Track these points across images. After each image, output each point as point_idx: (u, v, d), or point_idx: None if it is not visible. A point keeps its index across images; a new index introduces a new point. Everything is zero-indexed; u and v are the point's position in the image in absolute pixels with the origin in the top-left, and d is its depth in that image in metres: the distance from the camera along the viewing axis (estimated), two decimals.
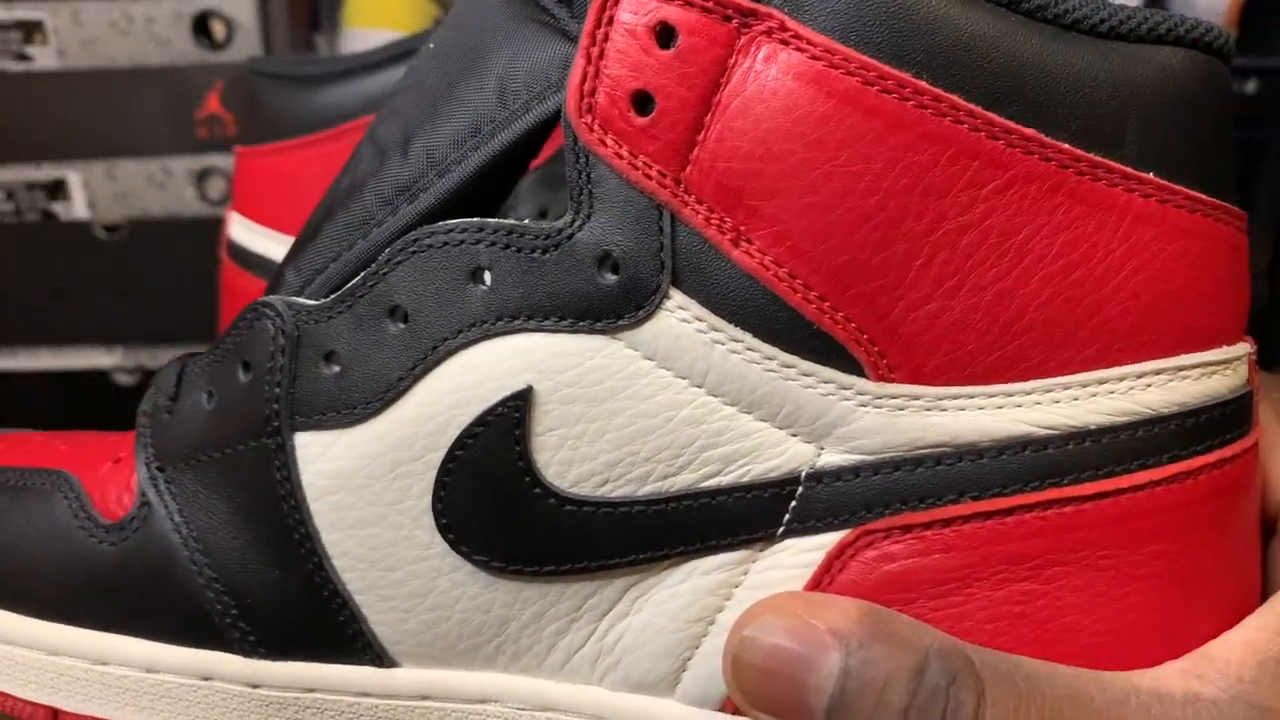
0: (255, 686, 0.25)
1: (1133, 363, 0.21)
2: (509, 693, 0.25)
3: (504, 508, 0.24)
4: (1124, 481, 0.21)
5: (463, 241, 0.23)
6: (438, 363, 0.23)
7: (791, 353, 0.22)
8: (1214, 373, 0.22)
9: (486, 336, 0.23)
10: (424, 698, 0.25)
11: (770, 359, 0.22)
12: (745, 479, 0.23)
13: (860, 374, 0.22)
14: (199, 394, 0.26)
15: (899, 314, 0.21)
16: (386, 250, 0.24)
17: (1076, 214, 0.21)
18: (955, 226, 0.21)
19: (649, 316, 0.22)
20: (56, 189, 0.62)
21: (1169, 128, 0.21)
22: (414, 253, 0.23)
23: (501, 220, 0.23)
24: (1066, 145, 0.20)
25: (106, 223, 0.61)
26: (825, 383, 0.21)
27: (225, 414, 0.25)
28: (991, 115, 0.20)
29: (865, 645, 0.21)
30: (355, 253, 0.24)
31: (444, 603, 0.25)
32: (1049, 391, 0.21)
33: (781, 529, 0.23)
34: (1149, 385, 0.21)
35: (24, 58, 0.59)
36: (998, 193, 0.21)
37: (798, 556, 0.22)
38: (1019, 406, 0.21)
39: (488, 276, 0.23)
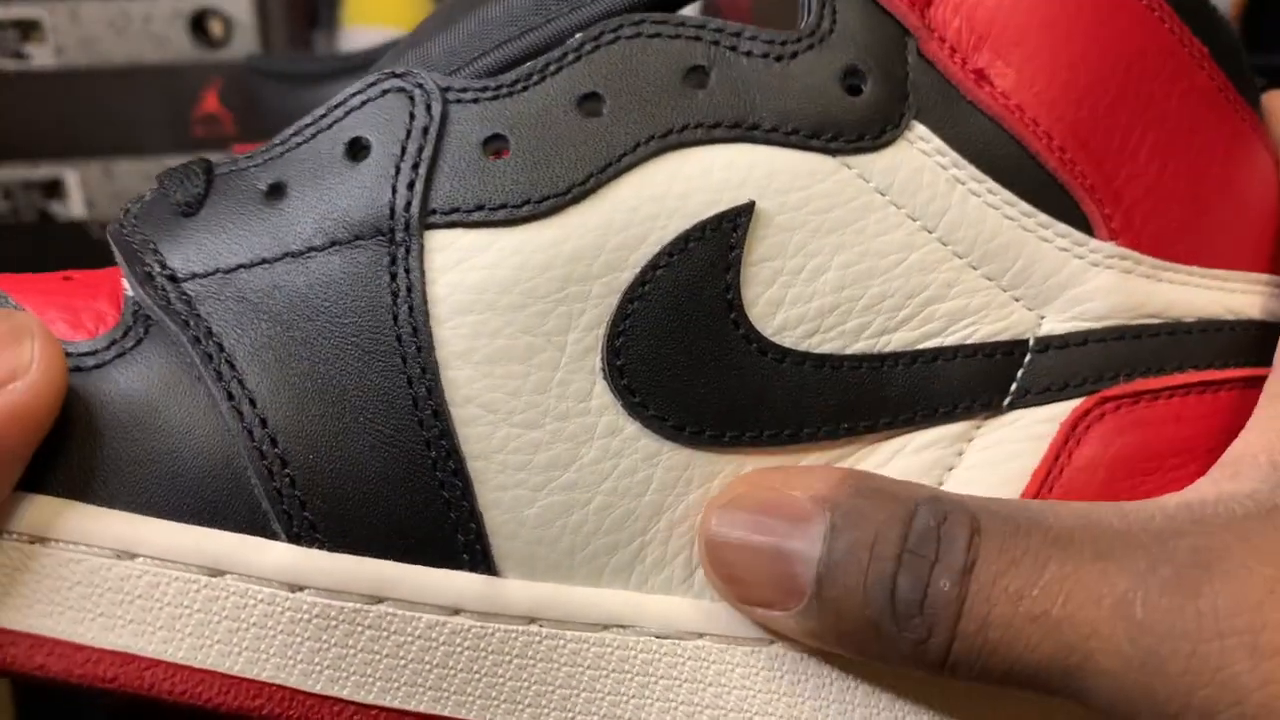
0: (297, 589, 0.18)
1: (1267, 271, 0.23)
2: (644, 616, 0.20)
3: (695, 350, 0.20)
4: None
5: (680, 35, 0.20)
6: (640, 162, 0.20)
7: (1030, 202, 0.21)
8: None
9: (703, 142, 0.20)
10: (531, 620, 0.20)
11: (1010, 205, 0.21)
12: (971, 339, 0.21)
13: (1090, 233, 0.21)
14: (251, 188, 0.20)
15: (1123, 179, 0.22)
16: (579, 35, 0.20)
17: (1227, 131, 0.23)
18: (1160, 112, 0.23)
19: (891, 142, 0.21)
20: (53, 188, 0.65)
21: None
22: (621, 39, 0.20)
23: (727, 21, 0.20)
24: (1216, 66, 0.23)
25: (104, 222, 0.54)
26: (1061, 236, 0.21)
27: (305, 208, 0.19)
28: (1180, 22, 0.22)
29: (850, 502, 0.21)
30: (530, 39, 0.20)
31: (587, 479, 0.19)
32: (1229, 280, 0.23)
33: (1010, 398, 0.21)
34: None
35: (22, 56, 0.61)
36: (1183, 95, 0.23)
37: (1029, 429, 0.21)
38: (1211, 289, 0.23)
39: (710, 78, 0.20)
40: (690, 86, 0.22)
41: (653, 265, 0.21)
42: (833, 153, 0.22)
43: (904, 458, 0.22)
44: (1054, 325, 0.23)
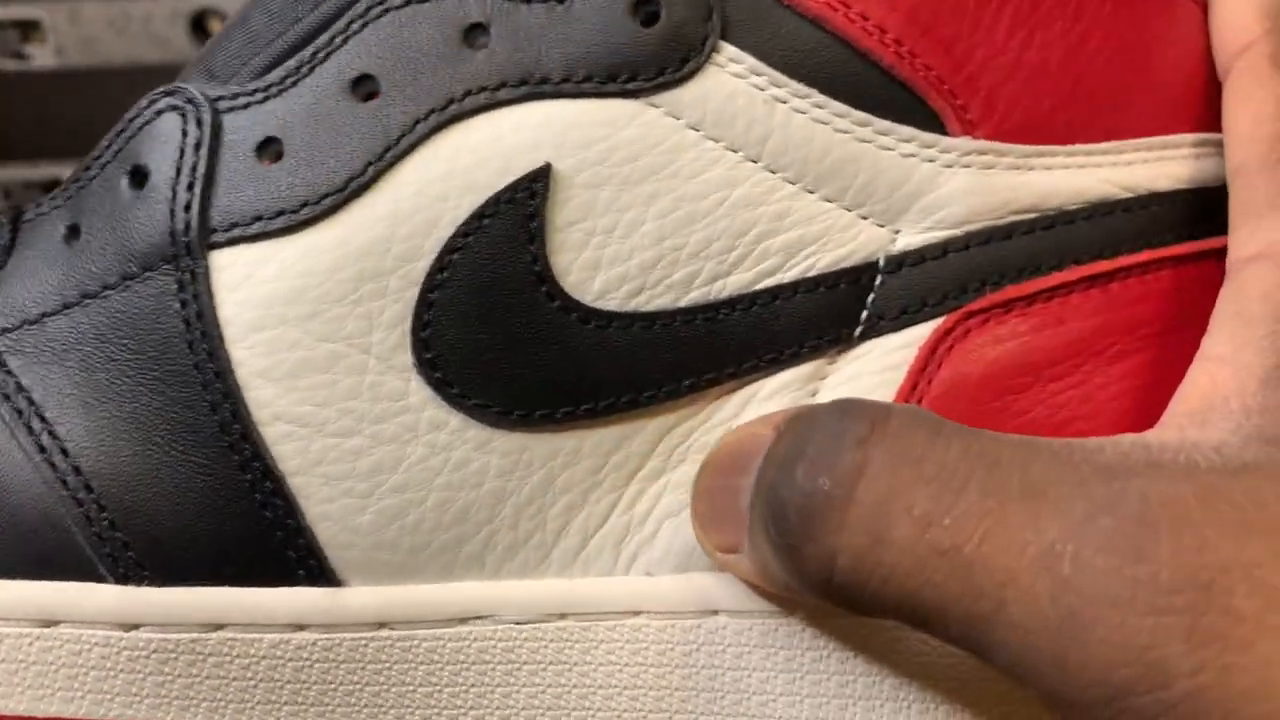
0: (131, 628, 0.18)
1: (1191, 132, 0.20)
2: (503, 603, 0.20)
3: (510, 331, 0.19)
4: (1210, 244, 0.20)
5: None
6: (421, 142, 0.19)
7: (865, 110, 0.18)
8: None
9: (488, 107, 0.19)
10: (381, 625, 0.19)
11: (841, 117, 0.19)
12: (812, 271, 0.19)
13: (942, 131, 0.18)
14: (52, 232, 0.19)
15: (978, 63, 0.19)
16: (345, 16, 0.18)
17: None
18: None
19: (696, 72, 0.19)
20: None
21: None
22: (390, 9, 0.18)
23: None
24: None
25: None
26: (905, 141, 0.19)
27: (99, 246, 0.19)
28: None
29: (788, 421, 0.19)
30: (298, 30, 0.19)
31: (417, 479, 0.19)
32: (1122, 153, 0.21)
33: (860, 328, 0.19)
34: (1200, 156, 0.20)
35: (21, 56, 0.59)
36: None
37: (884, 358, 0.19)
38: (1099, 167, 0.20)
39: (490, 35, 0.18)
40: (469, 48, 0.20)
41: (449, 249, 0.20)
42: (633, 95, 0.20)
43: (756, 406, 0.21)
44: (909, 240, 0.21)
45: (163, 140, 0.21)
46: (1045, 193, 0.21)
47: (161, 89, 0.21)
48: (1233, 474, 0.17)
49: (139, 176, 0.21)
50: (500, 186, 0.20)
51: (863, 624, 0.20)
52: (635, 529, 0.21)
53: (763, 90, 0.21)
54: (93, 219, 0.21)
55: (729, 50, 0.21)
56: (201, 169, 0.20)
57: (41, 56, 0.60)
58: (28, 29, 0.59)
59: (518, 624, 0.21)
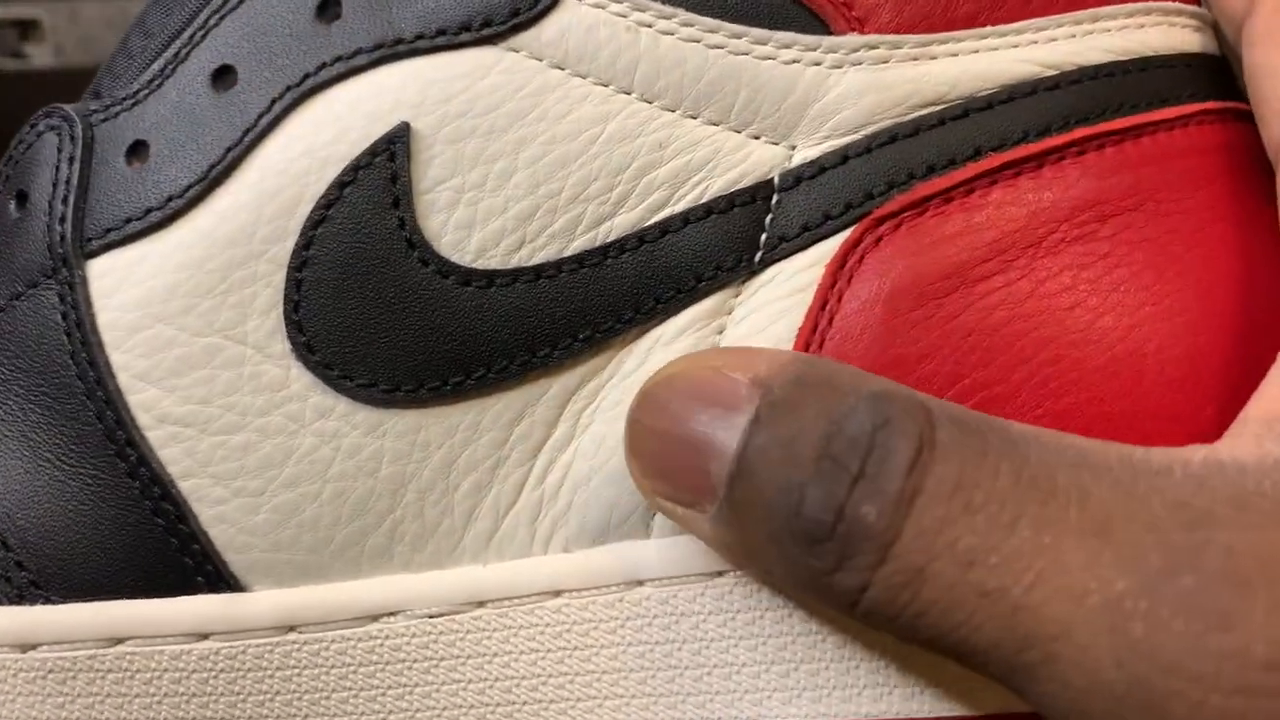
0: (29, 649, 0.17)
1: (1123, 2, 0.18)
2: (415, 596, 0.18)
3: (384, 304, 0.18)
4: (1154, 116, 0.17)
5: None
6: (278, 121, 0.18)
7: (737, 22, 0.17)
8: (1199, 28, 0.19)
9: (343, 76, 0.18)
10: (289, 629, 0.18)
11: (712, 33, 0.17)
12: (703, 199, 0.17)
13: (825, 31, 0.17)
14: None
15: None
16: (204, 11, 0.18)
17: None
18: None
19: (551, 8, 0.17)
20: None
21: None
22: (234, 8, 0.18)
23: None
24: None
25: None
26: (784, 48, 0.17)
27: None
28: None
29: (785, 389, 0.17)
30: (166, 33, 0.19)
31: (310, 471, 0.18)
32: (1043, 30, 0.19)
33: (760, 253, 0.18)
34: (1142, 26, 0.18)
35: (20, 55, 0.59)
36: None
37: (790, 281, 0.18)
38: (1015, 47, 0.18)
39: (343, 6, 0.18)
40: (323, 23, 0.20)
41: (311, 224, 0.19)
42: (489, 41, 0.19)
43: (660, 350, 0.19)
44: (806, 154, 0.19)
45: (41, 161, 0.21)
46: (952, 80, 0.19)
47: (42, 111, 0.21)
48: None
49: (22, 198, 0.21)
50: (358, 151, 0.20)
51: None
52: (548, 504, 0.20)
53: (624, 18, 0.20)
54: None
55: None
56: (74, 180, 0.20)
57: (40, 56, 0.59)
58: (27, 28, 0.58)
59: (431, 617, 0.20)
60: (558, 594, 0.19)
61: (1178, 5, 0.21)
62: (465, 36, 0.20)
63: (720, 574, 0.19)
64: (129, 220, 0.20)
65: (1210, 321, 0.18)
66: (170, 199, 0.20)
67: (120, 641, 0.19)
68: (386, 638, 0.20)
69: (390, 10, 0.20)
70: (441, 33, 0.20)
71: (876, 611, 0.16)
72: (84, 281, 0.20)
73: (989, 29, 0.20)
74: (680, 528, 0.19)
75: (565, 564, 0.19)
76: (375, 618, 0.20)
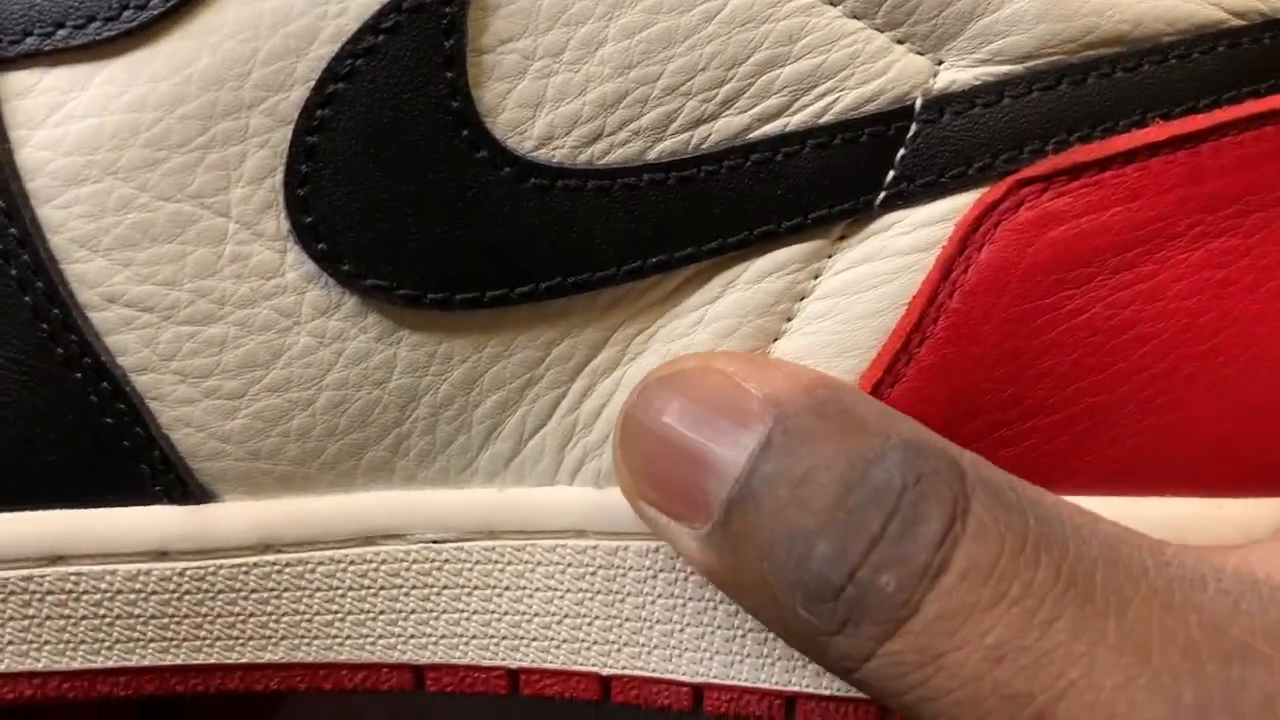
0: None
1: None
2: (416, 518, 0.16)
3: (417, 189, 0.14)
4: None
5: None
6: None
7: None
8: None
9: None
10: (265, 548, 0.15)
11: None
12: (826, 117, 0.14)
13: None
14: None
15: None
16: None
17: None
18: None
19: None
20: None
21: None
22: None
23: None
24: None
25: None
26: None
27: None
28: None
29: (802, 416, 0.15)
30: None
31: (302, 375, 0.14)
32: None
33: (882, 195, 0.15)
34: None
35: None
36: None
37: (909, 236, 0.15)
38: None
39: None
40: None
41: (331, 74, 0.14)
42: None
43: (738, 291, 0.16)
44: (955, 75, 0.16)
45: None
46: (1136, 17, 0.16)
47: None
48: None
49: None
50: None
51: None
52: (582, 431, 0.17)
53: None
54: None
55: None
56: None
57: None
58: None
59: (436, 543, 0.18)
60: (582, 533, 0.18)
61: None
62: None
63: None
64: (60, 25, 0.14)
65: None
66: (126, 7, 0.14)
67: (61, 559, 0.16)
68: (383, 561, 0.17)
69: None
70: None
71: (873, 684, 0.15)
72: None
73: None
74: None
75: (594, 501, 0.17)
76: (369, 539, 0.17)
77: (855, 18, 0.16)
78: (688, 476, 0.15)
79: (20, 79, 0.15)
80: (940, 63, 0.16)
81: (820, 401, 0.15)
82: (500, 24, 0.15)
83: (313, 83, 0.15)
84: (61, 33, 0.15)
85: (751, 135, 0.16)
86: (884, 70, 0.16)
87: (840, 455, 0.15)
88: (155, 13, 0.14)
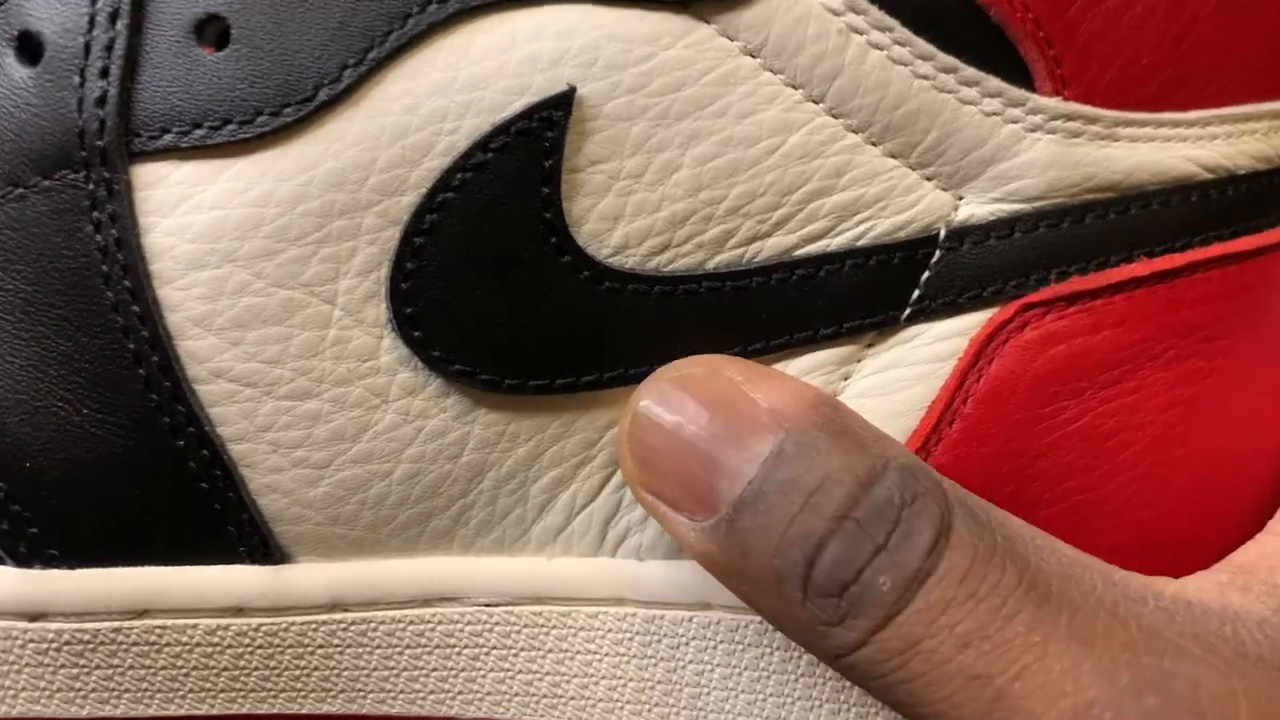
0: (36, 618, 0.15)
1: (1270, 100, 0.18)
2: (472, 583, 0.18)
3: (508, 288, 0.16)
4: (1275, 237, 0.18)
5: None
6: (414, 42, 0.15)
7: (951, 53, 0.15)
8: None
9: (500, 2, 0.15)
10: (334, 606, 0.17)
11: (925, 59, 0.16)
12: (863, 240, 0.17)
13: (1030, 88, 0.16)
14: None
15: (1080, 6, 0.16)
16: None
17: None
18: None
19: None
20: None
21: None
22: None
23: None
24: None
25: None
26: (991, 97, 0.16)
27: None
28: None
29: (811, 433, 0.17)
30: None
31: (384, 449, 0.16)
32: (1207, 125, 0.19)
33: (908, 310, 0.17)
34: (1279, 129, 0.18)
35: None
36: None
37: (930, 347, 0.17)
38: (1184, 140, 0.18)
39: None
40: None
41: (442, 185, 0.16)
42: (683, 4, 0.16)
43: None
44: (973, 210, 0.18)
45: (63, 1, 0.16)
46: (1128, 169, 0.19)
47: None
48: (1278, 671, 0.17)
49: (30, 47, 0.16)
50: (513, 110, 0.17)
51: None
52: (627, 508, 0.19)
53: (838, 15, 0.17)
54: None
55: None
56: (120, 49, 0.16)
57: None
58: None
59: (488, 606, 0.19)
60: (622, 601, 0.19)
61: None
62: None
63: None
64: (197, 125, 0.16)
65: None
66: (260, 114, 0.16)
67: (147, 613, 0.17)
68: (439, 622, 0.19)
69: None
70: None
71: (859, 668, 0.17)
72: (128, 189, 0.16)
73: (1166, 115, 0.19)
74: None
75: (634, 572, 0.19)
76: (428, 601, 0.19)
77: (892, 157, 0.18)
78: (696, 474, 0.17)
79: (154, 170, 0.16)
80: (961, 198, 0.19)
81: (826, 420, 0.17)
82: (592, 148, 0.17)
83: (424, 190, 0.16)
84: (198, 132, 0.16)
85: (798, 253, 0.18)
86: (914, 203, 0.18)
87: (848, 471, 0.17)
88: (288, 120, 0.16)
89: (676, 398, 0.18)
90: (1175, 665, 0.16)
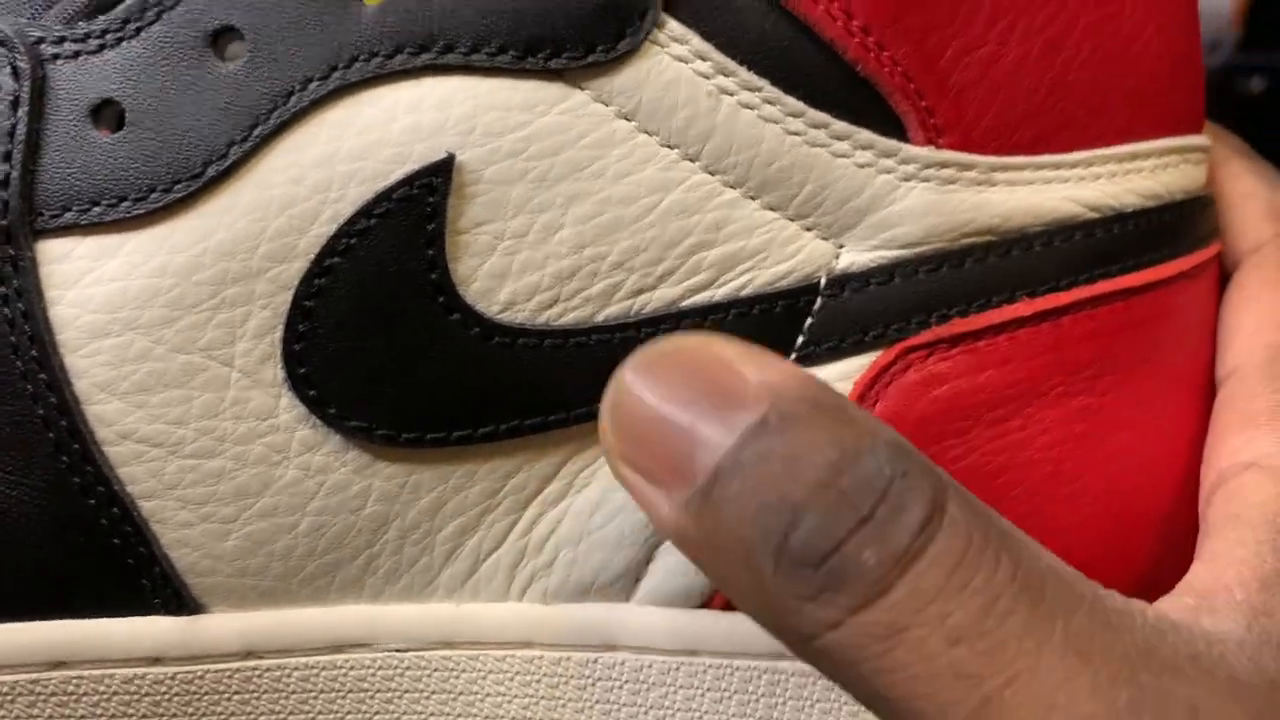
0: None
1: (1156, 138, 0.19)
2: (381, 630, 0.18)
3: (398, 346, 0.17)
4: (1164, 272, 0.18)
5: None
6: (297, 119, 0.16)
7: (821, 109, 0.16)
8: (1201, 161, 0.20)
9: (380, 78, 0.16)
10: (248, 654, 0.17)
11: (795, 116, 0.16)
12: (746, 290, 0.17)
13: (903, 138, 0.16)
14: None
15: (951, 57, 0.17)
16: None
17: None
18: None
19: (633, 51, 0.16)
20: None
21: None
22: None
23: None
24: None
25: None
26: (863, 149, 0.17)
27: None
28: None
29: (797, 405, 0.17)
30: None
31: (289, 503, 0.17)
32: (1090, 165, 0.19)
33: (794, 355, 0.18)
34: (1167, 166, 0.19)
35: None
36: None
37: None
38: (1065, 182, 0.19)
39: None
40: (356, 2, 0.17)
41: (328, 250, 0.17)
42: (556, 74, 0.17)
43: None
44: (854, 257, 0.19)
45: None
46: (1006, 213, 0.20)
47: None
48: (1270, 688, 0.16)
49: None
50: (394, 178, 0.17)
51: (771, 669, 0.20)
52: (531, 554, 0.20)
53: (708, 79, 0.18)
54: None
55: (672, 26, 0.18)
56: (22, 133, 0.17)
57: None
58: None
59: (399, 651, 0.20)
60: (529, 645, 0.20)
61: (1196, 141, 0.22)
62: (530, 63, 0.17)
63: (695, 653, 0.20)
64: (95, 203, 0.17)
65: (1177, 482, 0.21)
66: (153, 190, 0.17)
67: (63, 664, 0.18)
68: (351, 668, 0.20)
69: (445, 6, 0.17)
70: (503, 51, 0.17)
71: (834, 652, 0.16)
72: (32, 265, 0.17)
73: (1046, 158, 0.20)
74: (672, 603, 0.19)
75: (541, 615, 0.20)
76: (340, 648, 0.20)
77: (771, 209, 0.19)
78: (676, 445, 0.17)
79: (58, 246, 0.17)
80: (842, 246, 0.19)
81: (815, 394, 0.17)
82: (475, 210, 0.18)
83: (313, 256, 0.17)
84: (96, 210, 0.17)
85: (684, 304, 0.19)
86: (795, 253, 0.19)
87: (834, 441, 0.16)
88: (179, 195, 0.17)
89: (663, 370, 0.17)
90: (1173, 686, 0.16)
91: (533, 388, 0.19)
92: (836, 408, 0.17)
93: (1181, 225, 0.21)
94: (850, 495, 0.16)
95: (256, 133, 0.17)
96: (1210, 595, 0.18)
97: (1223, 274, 0.24)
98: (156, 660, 0.19)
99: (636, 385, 0.17)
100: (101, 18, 0.17)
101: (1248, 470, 0.19)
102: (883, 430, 0.17)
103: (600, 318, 0.19)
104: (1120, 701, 0.16)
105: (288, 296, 0.18)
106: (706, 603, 0.20)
